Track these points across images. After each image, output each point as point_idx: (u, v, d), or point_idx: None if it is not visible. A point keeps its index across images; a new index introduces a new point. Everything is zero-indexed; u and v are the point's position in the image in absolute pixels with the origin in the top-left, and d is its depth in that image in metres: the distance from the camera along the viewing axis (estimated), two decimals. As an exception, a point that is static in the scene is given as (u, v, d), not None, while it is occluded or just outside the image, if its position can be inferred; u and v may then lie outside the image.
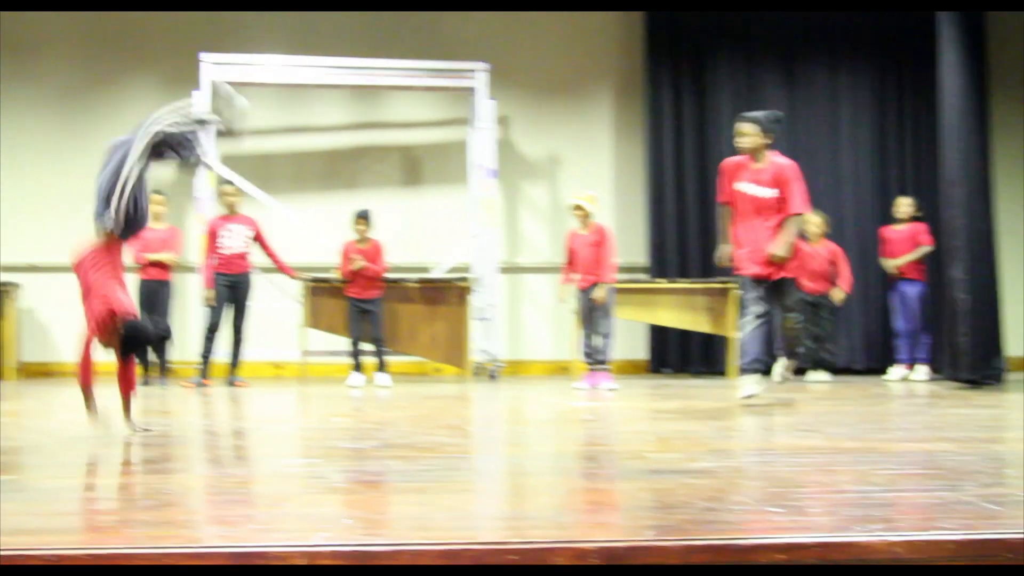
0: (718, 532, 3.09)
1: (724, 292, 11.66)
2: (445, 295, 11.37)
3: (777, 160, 7.98)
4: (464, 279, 11.50)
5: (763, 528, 3.18)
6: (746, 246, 7.97)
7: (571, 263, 10.40)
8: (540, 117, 12.99)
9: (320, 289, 11.14)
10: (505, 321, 12.52)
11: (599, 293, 10.08)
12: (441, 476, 4.39)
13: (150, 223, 10.55)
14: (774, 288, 7.96)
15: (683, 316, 11.87)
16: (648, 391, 9.94)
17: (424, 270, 11.91)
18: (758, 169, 7.94)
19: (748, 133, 7.98)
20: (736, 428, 6.49)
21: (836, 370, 11.76)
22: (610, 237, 10.31)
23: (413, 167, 12.88)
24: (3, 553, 2.82)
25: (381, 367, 10.80)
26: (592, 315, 10.21)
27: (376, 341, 10.82)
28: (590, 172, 12.93)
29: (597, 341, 10.21)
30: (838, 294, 11.48)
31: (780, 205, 7.88)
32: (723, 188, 8.16)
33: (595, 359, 10.19)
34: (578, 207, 10.26)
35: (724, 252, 8.16)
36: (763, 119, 8.01)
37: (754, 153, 7.96)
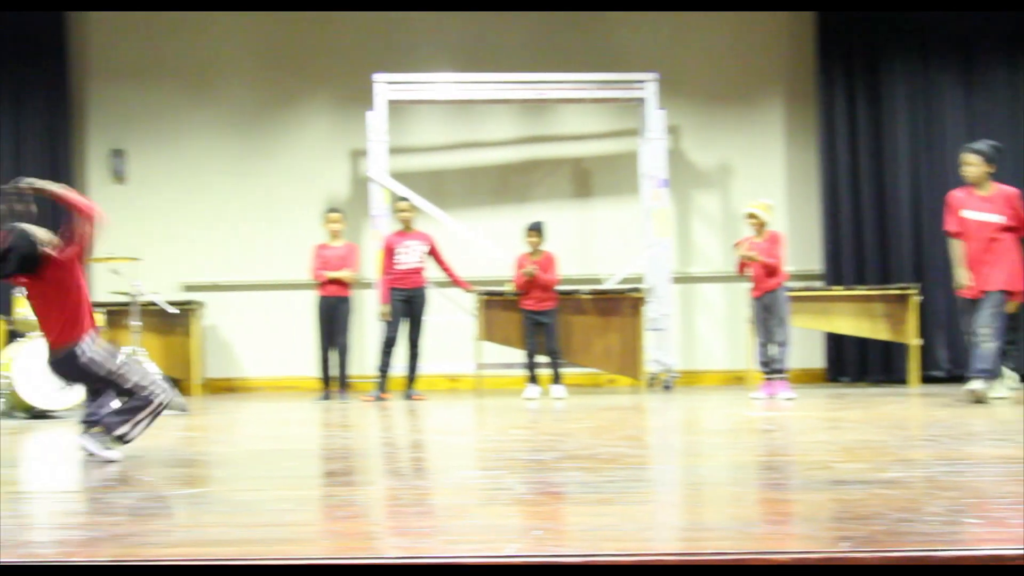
0: (916, 544, 3.03)
1: (903, 298, 11.49)
2: (618, 306, 11.40)
3: (1003, 187, 8.86)
4: (637, 290, 11.52)
5: (963, 540, 3.10)
6: (982, 268, 8.76)
7: (743, 269, 10.34)
8: (710, 125, 12.96)
9: (494, 302, 11.28)
10: (679, 331, 12.48)
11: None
12: (625, 487, 4.44)
13: (329, 241, 10.85)
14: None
15: (861, 324, 11.71)
16: (827, 400, 9.85)
17: (596, 281, 11.97)
18: (985, 197, 8.80)
19: (973, 163, 8.85)
20: (922, 438, 6.39)
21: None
22: (780, 239, 10.22)
23: (583, 179, 12.94)
24: (210, 563, 2.91)
25: (556, 379, 10.88)
26: (768, 324, 10.09)
27: (551, 353, 10.91)
28: (762, 179, 12.85)
29: (773, 350, 10.14)
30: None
31: (1010, 229, 8.76)
32: (951, 219, 9.01)
33: (772, 368, 10.11)
34: (752, 215, 10.21)
35: (962, 278, 8.90)
36: (987, 150, 8.84)
37: (978, 182, 8.82)
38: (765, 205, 10.43)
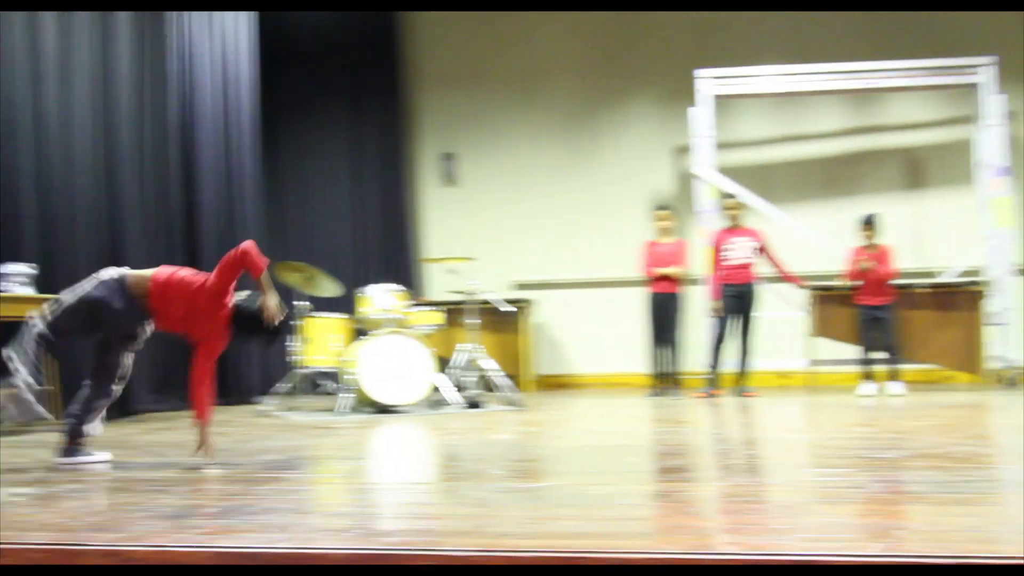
0: None
1: None
2: (956, 300, 11.06)
3: None
4: (976, 283, 11.12)
5: None
6: None
7: None
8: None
9: (827, 297, 11.09)
10: (1022, 325, 11.85)
11: None
12: (985, 488, 4.28)
13: (658, 238, 10.90)
14: None
15: None
16: None
17: (932, 275, 11.62)
18: None
19: None
20: None
21: None
22: None
23: (915, 169, 12.57)
24: (566, 555, 2.99)
25: (894, 376, 10.53)
26: None
27: (888, 349, 10.61)
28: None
29: None
30: None
31: None
32: None
33: None
34: None
35: None
36: None
37: None
38: None
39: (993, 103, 11.51)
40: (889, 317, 10.64)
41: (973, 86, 11.73)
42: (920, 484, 4.41)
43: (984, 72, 11.56)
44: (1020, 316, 11.89)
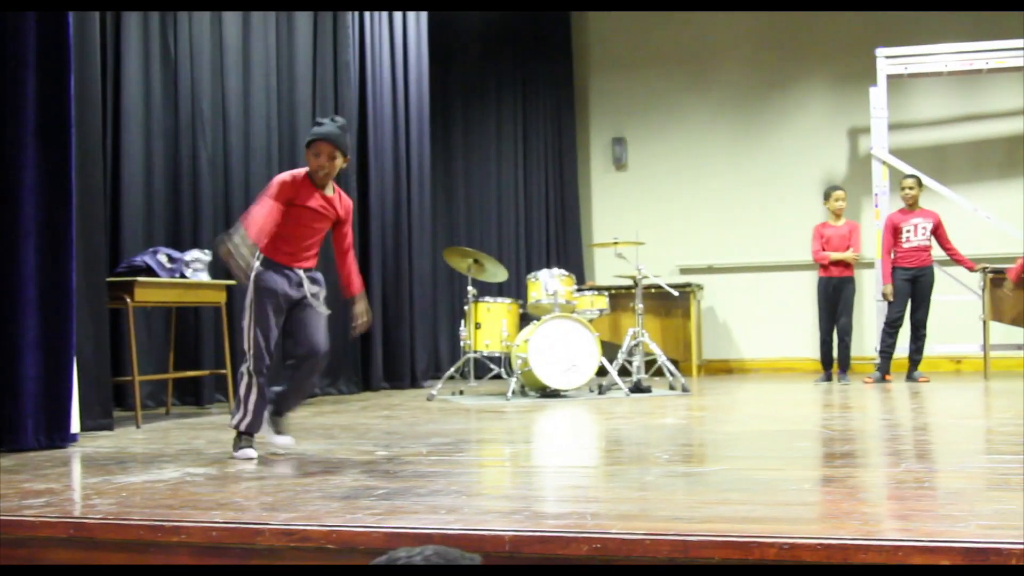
0: None
1: None
2: None
3: None
4: None
5: None
6: None
7: None
8: None
9: (1001, 281, 10.69)
10: None
11: None
12: None
13: (831, 220, 10.73)
14: None
15: None
16: None
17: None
18: None
19: None
20: None
21: None
22: None
23: (1100, 149, 12.08)
24: (738, 540, 2.99)
25: None
26: None
27: None
28: None
29: None
30: None
31: None
32: None
33: None
34: None
35: None
36: None
37: None
38: None
39: None
40: None
41: None
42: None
43: None
44: None
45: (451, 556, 2.16)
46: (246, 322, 5.40)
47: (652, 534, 3.15)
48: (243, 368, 5.43)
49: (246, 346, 5.41)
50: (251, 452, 5.40)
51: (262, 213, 5.31)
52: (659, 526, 3.27)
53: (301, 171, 5.55)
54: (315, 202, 5.51)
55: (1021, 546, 2.88)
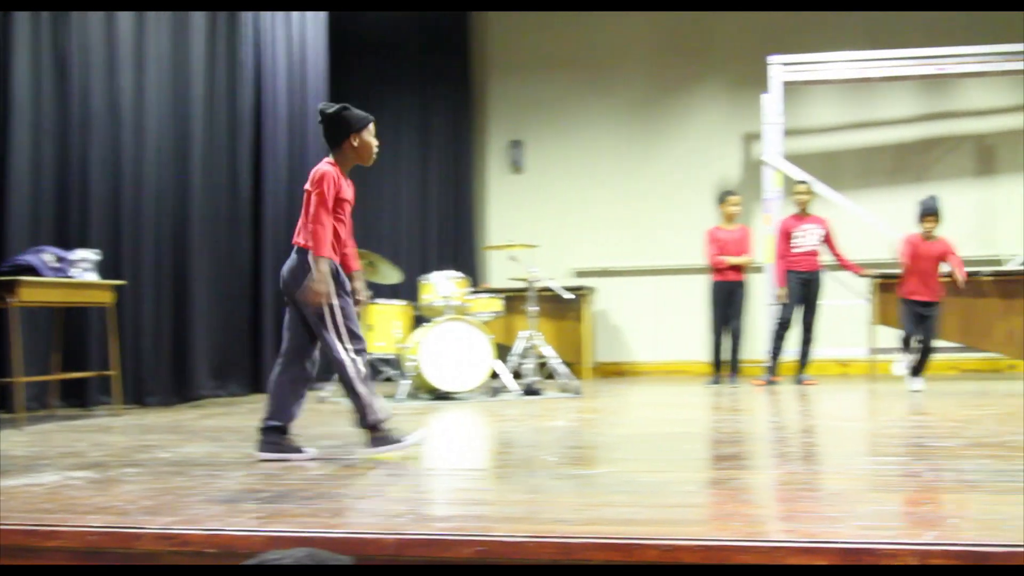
0: None
1: None
2: (1022, 288, 10.77)
3: None
4: (1043, 272, 10.91)
5: None
6: None
7: None
8: None
9: (889, 286, 10.90)
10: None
11: None
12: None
13: (724, 224, 10.88)
14: None
15: None
16: None
17: (999, 263, 11.48)
18: None
19: None
20: None
21: None
22: None
23: (986, 156, 12.43)
24: (619, 542, 3.01)
25: (919, 371, 9.87)
26: None
27: (927, 349, 9.96)
28: None
29: None
30: None
31: None
32: None
33: None
34: None
35: None
36: None
37: None
38: None
39: (1067, 89, 11.36)
40: (936, 315, 10.16)
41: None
42: (976, 473, 4.40)
43: (1058, 57, 11.41)
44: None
45: (322, 558, 2.15)
46: (332, 308, 5.27)
47: (536, 536, 3.17)
48: (347, 363, 5.26)
49: (341, 341, 5.27)
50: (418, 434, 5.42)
51: (326, 232, 5.25)
52: (543, 528, 3.29)
53: (330, 162, 5.48)
54: (350, 192, 5.52)
55: (893, 546, 2.94)
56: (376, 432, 5.30)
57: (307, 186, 5.39)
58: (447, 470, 5.14)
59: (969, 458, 4.87)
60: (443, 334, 9.35)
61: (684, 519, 3.55)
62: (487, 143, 13.68)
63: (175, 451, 5.61)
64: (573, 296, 11.40)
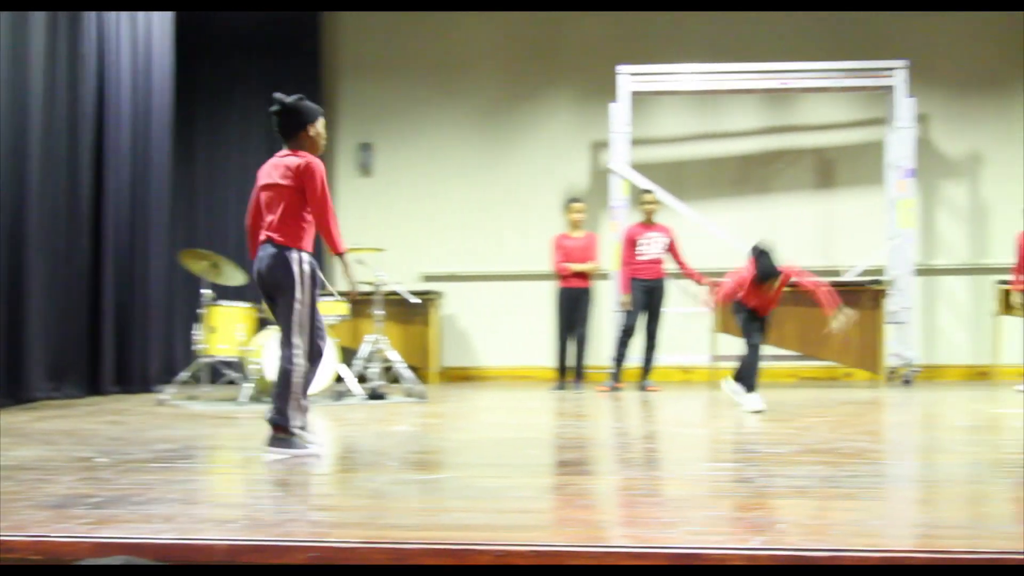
0: None
1: None
2: (859, 298, 11.19)
3: None
4: (878, 282, 11.32)
5: None
6: None
7: (1021, 265, 10.69)
8: (961, 114, 12.70)
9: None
10: (920, 324, 12.19)
11: None
12: (870, 483, 4.40)
13: (569, 231, 10.99)
14: None
15: None
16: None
17: (836, 273, 11.80)
18: None
19: None
20: None
21: None
22: None
23: (827, 169, 12.82)
24: (452, 547, 3.02)
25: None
26: None
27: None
28: (1014, 168, 12.45)
29: None
30: None
31: None
32: None
33: None
34: None
35: None
36: None
37: None
38: None
39: (904, 106, 11.71)
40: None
41: (886, 89, 11.95)
42: (806, 479, 4.51)
43: (897, 75, 11.76)
44: (919, 315, 12.18)
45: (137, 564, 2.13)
46: (304, 307, 5.36)
47: (369, 542, 3.17)
48: (295, 358, 5.35)
49: (301, 329, 5.37)
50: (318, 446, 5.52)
51: (336, 224, 5.47)
52: (377, 534, 3.29)
53: (296, 153, 5.54)
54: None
55: (721, 551, 3.01)
56: (283, 434, 5.39)
57: (280, 180, 5.47)
58: (286, 475, 5.09)
59: (800, 464, 4.98)
60: (285, 337, 9.25)
61: (520, 524, 3.56)
62: (336, 145, 13.58)
63: (4, 455, 5.45)
64: (419, 300, 11.41)
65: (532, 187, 13.18)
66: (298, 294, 5.33)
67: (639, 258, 11.07)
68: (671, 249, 11.15)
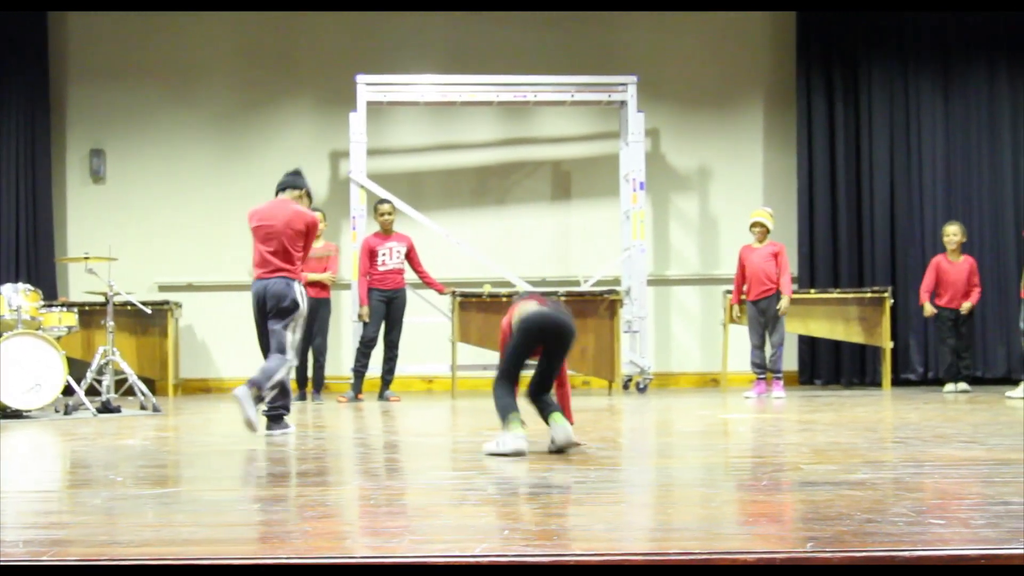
0: (880, 544, 3.07)
1: (878, 301, 11.76)
2: (594, 308, 11.47)
3: None
4: (614, 292, 11.60)
5: (926, 540, 3.13)
6: None
7: (743, 276, 11.21)
8: (690, 128, 13.17)
9: (470, 304, 11.24)
10: (654, 333, 12.57)
11: (785, 304, 10.92)
12: (596, 488, 4.50)
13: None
14: None
15: (835, 327, 12.00)
16: (800, 402, 10.07)
17: (574, 283, 12.04)
18: None
19: None
20: (892, 440, 6.51)
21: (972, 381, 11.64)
22: (785, 251, 11.15)
23: (563, 182, 13.09)
24: (177, 563, 2.94)
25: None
26: (763, 326, 11.05)
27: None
28: (741, 183, 13.11)
29: (769, 351, 11.02)
30: (966, 306, 11.32)
31: None
32: None
33: (767, 368, 10.98)
34: (759, 224, 11.17)
35: None
36: None
37: None
38: (769, 213, 11.26)
39: (634, 120, 12.05)
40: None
41: (619, 103, 12.29)
42: (540, 486, 4.56)
43: (628, 90, 12.09)
44: (653, 324, 12.54)
45: None
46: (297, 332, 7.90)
47: (86, 560, 3.06)
48: (288, 360, 7.69)
49: (292, 347, 7.75)
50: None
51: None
52: (95, 551, 3.18)
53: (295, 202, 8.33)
54: None
55: (445, 559, 3.00)
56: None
57: (283, 226, 8.17)
58: (10, 492, 4.85)
59: (534, 471, 5.05)
60: (11, 349, 8.92)
61: (241, 538, 3.52)
62: (66, 151, 13.09)
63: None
64: (152, 311, 11.12)
65: (270, 196, 12.93)
66: None
67: (379, 268, 11.07)
68: (410, 259, 11.17)
